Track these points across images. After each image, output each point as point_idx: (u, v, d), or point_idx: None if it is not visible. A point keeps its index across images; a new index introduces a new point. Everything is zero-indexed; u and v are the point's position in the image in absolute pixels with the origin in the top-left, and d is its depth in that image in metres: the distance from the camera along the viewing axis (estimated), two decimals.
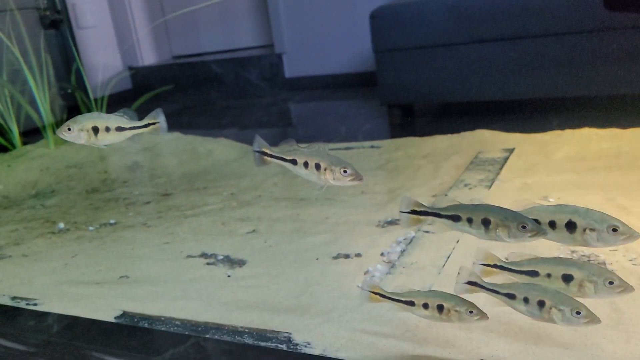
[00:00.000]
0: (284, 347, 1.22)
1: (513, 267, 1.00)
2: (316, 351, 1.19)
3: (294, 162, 1.06)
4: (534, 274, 0.98)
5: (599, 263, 1.39)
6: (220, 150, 2.75)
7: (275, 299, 1.41)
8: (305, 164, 1.05)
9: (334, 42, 4.30)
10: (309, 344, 1.22)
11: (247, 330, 1.29)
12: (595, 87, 2.65)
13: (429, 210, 1.01)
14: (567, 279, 0.94)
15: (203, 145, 2.79)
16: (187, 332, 1.31)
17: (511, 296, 0.97)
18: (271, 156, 1.10)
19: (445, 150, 2.45)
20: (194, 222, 1.98)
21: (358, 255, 1.59)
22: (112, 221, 2.10)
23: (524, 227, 0.92)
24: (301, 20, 4.40)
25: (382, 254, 1.57)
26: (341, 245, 1.66)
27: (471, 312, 0.99)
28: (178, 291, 1.51)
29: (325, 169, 1.03)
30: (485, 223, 0.95)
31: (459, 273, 1.01)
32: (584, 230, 0.91)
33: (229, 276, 1.56)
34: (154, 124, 1.12)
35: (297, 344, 1.22)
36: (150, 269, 1.67)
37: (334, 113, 3.61)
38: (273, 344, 1.23)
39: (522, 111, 2.99)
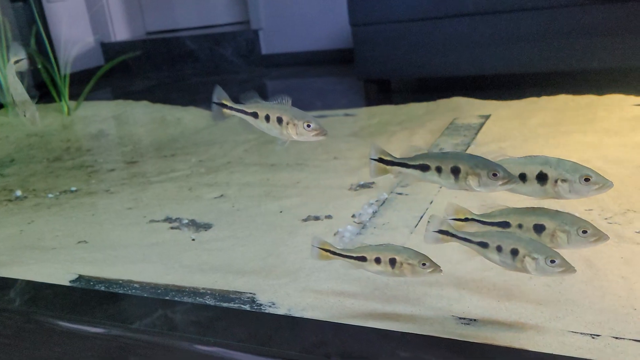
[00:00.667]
0: (247, 307, 1.16)
1: (484, 219, 0.95)
2: (281, 311, 1.13)
3: (254, 115, 1.01)
4: (505, 224, 0.93)
5: None
6: (189, 118, 2.66)
7: (241, 261, 1.35)
8: (267, 118, 1.00)
9: (312, 18, 4.19)
10: (273, 304, 1.16)
11: (209, 292, 1.23)
12: (571, 61, 2.59)
13: (396, 160, 0.95)
14: (539, 229, 0.89)
15: (171, 113, 2.69)
16: (145, 295, 1.25)
17: (484, 245, 0.92)
18: (231, 108, 1.04)
19: (421, 117, 2.40)
20: (159, 188, 1.90)
21: (328, 217, 1.53)
22: (73, 188, 2.01)
23: (495, 174, 0.86)
24: None
25: (353, 216, 1.52)
26: (311, 208, 1.60)
27: (424, 264, 0.95)
28: (139, 255, 1.44)
29: (287, 123, 0.97)
30: (455, 172, 0.89)
31: (429, 222, 0.95)
32: (556, 181, 0.86)
33: (193, 240, 1.50)
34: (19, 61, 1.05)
35: (261, 304, 1.16)
36: (111, 234, 1.59)
37: (310, 89, 3.53)
38: (236, 305, 1.17)
39: (499, 83, 2.94)
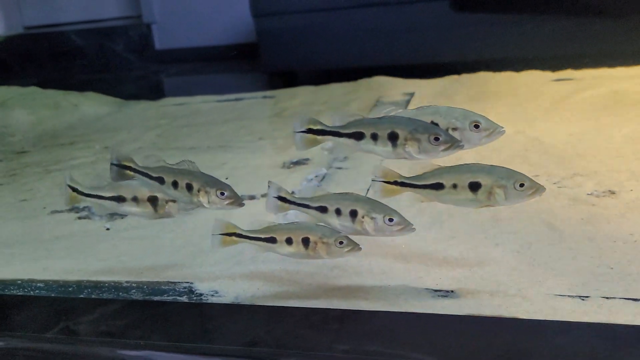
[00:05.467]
0: (184, 299, 0.97)
1: (415, 182, 0.85)
2: (227, 299, 0.96)
3: (160, 180, 0.92)
4: (438, 186, 0.84)
5: None
6: (88, 104, 2.36)
7: (170, 248, 1.16)
8: (175, 184, 0.90)
9: (210, 11, 3.94)
10: (216, 292, 0.98)
11: (134, 285, 1.02)
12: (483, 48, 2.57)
13: (327, 129, 0.85)
14: (475, 187, 0.82)
15: (66, 99, 2.37)
16: (53, 295, 1.02)
17: (323, 209, 0.86)
18: (135, 171, 0.94)
19: (344, 96, 2.29)
20: (60, 177, 1.63)
21: (265, 195, 1.37)
22: None
23: (437, 139, 0.78)
24: None
25: (292, 192, 1.36)
26: (244, 188, 1.43)
27: (341, 242, 0.85)
28: (41, 251, 1.19)
29: (199, 190, 0.89)
30: (392, 138, 0.80)
31: (269, 186, 0.90)
32: (447, 130, 0.80)
33: (107, 229, 1.27)
34: None
35: (201, 294, 0.98)
36: (2, 230, 1.33)
37: (209, 86, 3.28)
38: (170, 297, 0.98)
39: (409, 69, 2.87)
